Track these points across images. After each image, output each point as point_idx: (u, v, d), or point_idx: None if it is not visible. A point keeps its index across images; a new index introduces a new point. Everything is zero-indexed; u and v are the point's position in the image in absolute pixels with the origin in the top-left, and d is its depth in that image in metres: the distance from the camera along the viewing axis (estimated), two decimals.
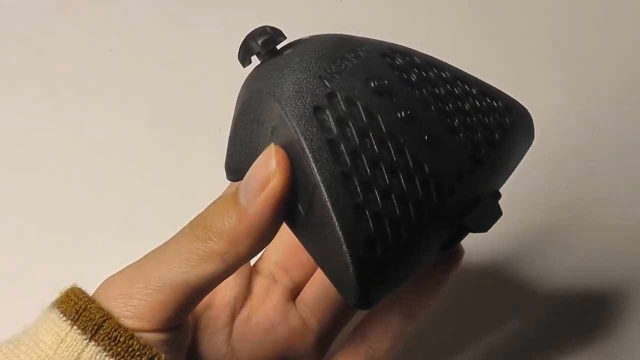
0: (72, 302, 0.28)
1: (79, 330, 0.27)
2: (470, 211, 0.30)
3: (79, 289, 0.29)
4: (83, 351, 0.27)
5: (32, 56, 0.50)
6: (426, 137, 0.29)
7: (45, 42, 0.51)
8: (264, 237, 0.28)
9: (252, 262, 0.36)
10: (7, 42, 0.51)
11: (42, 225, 0.45)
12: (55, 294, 0.30)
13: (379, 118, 0.29)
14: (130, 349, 0.27)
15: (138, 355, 0.28)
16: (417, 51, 0.32)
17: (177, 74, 0.50)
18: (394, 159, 0.28)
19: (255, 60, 0.31)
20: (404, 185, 0.28)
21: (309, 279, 0.36)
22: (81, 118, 0.48)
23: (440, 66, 0.31)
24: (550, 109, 0.47)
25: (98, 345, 0.27)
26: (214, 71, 0.49)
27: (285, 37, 0.31)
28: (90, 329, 0.27)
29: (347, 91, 0.29)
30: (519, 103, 0.32)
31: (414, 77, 0.30)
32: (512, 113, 0.31)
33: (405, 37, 0.49)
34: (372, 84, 0.29)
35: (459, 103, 0.31)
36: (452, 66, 0.32)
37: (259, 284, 0.36)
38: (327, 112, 0.28)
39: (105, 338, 0.27)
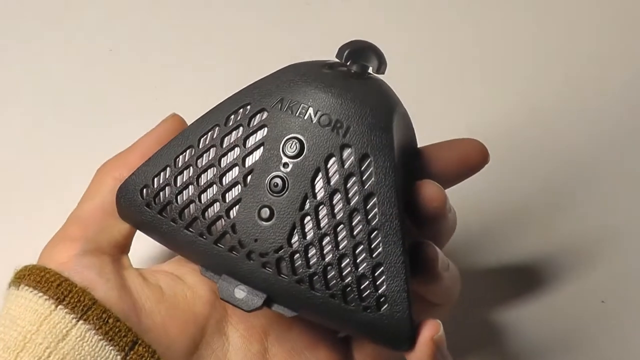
0: (54, 283, 0.29)
1: (66, 310, 0.28)
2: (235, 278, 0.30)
3: (52, 269, 0.30)
4: (72, 329, 0.28)
5: (31, 56, 0.50)
6: (263, 212, 0.29)
7: (45, 42, 0.51)
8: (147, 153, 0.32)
9: None
10: (6, 42, 0.51)
11: (43, 225, 0.45)
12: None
13: (252, 164, 0.30)
14: (117, 329, 0.28)
15: (124, 336, 0.28)
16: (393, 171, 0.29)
17: (177, 74, 0.50)
18: (214, 188, 0.30)
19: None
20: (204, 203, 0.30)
21: None
22: (81, 118, 0.48)
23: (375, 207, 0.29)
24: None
25: (88, 323, 0.28)
26: (214, 71, 0.50)
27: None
28: (79, 309, 0.28)
29: (269, 124, 0.30)
30: (409, 315, 0.29)
31: (331, 179, 0.29)
32: (384, 303, 0.29)
33: (405, 38, 0.50)
34: (289, 146, 0.30)
35: (335, 228, 0.29)
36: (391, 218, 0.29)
37: None
38: (228, 123, 0.30)
39: (95, 318, 0.28)
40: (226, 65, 0.50)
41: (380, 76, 0.31)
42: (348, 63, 0.30)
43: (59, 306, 0.28)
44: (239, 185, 0.30)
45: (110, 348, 0.28)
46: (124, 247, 0.33)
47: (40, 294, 0.29)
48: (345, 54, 0.30)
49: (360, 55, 0.30)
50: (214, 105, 0.31)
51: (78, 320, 0.28)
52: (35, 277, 0.29)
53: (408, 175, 0.31)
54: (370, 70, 0.31)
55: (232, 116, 0.30)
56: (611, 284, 0.43)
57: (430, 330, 0.29)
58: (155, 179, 0.31)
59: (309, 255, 0.29)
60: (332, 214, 0.29)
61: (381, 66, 0.30)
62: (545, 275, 0.43)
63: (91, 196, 0.33)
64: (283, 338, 0.33)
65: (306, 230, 0.29)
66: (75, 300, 0.28)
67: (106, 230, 0.32)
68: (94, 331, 0.28)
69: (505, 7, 0.51)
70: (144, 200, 0.31)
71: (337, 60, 0.31)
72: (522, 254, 0.43)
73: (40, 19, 0.52)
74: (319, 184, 0.29)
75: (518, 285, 0.43)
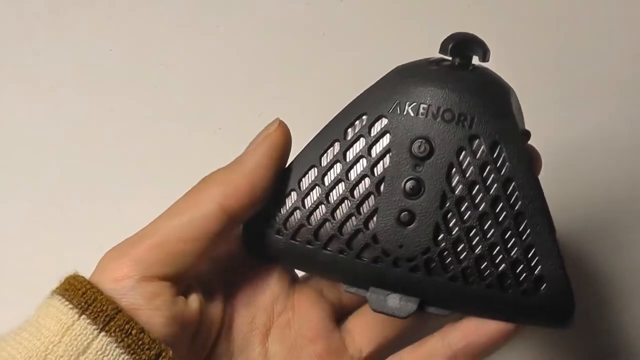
0: (79, 291, 0.28)
1: (88, 320, 0.28)
2: (387, 289, 0.30)
3: (82, 277, 0.29)
4: (93, 341, 0.27)
5: (31, 56, 0.50)
6: (402, 217, 0.29)
7: (45, 42, 0.50)
8: (257, 182, 0.30)
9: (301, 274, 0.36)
10: (6, 42, 0.51)
11: (43, 225, 0.45)
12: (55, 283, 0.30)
13: (383, 172, 0.29)
14: (140, 342, 0.28)
15: (147, 349, 0.28)
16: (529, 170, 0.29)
17: (177, 74, 0.50)
18: (355, 205, 0.30)
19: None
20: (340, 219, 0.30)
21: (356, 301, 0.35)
22: (81, 118, 0.48)
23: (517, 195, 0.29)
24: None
25: (110, 336, 0.27)
26: (213, 71, 0.49)
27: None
28: (102, 319, 0.28)
29: (391, 129, 0.29)
30: (569, 291, 0.29)
31: (465, 174, 0.29)
32: (542, 283, 0.28)
33: (405, 38, 0.50)
34: (417, 148, 0.29)
35: (481, 224, 0.29)
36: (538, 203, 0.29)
37: (305, 294, 0.35)
38: (355, 133, 0.30)
39: (117, 330, 0.28)
40: (227, 65, 0.50)
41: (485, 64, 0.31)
42: (453, 56, 0.30)
43: (82, 316, 0.28)
44: (373, 195, 0.30)
45: None
46: (189, 272, 0.31)
47: (67, 302, 0.28)
48: (450, 47, 0.30)
49: (465, 46, 0.30)
50: (327, 123, 0.31)
51: (100, 332, 0.27)
52: (65, 284, 0.29)
53: None
54: (474, 59, 0.31)
55: (350, 129, 0.30)
56: (611, 283, 0.43)
57: None
58: (282, 206, 0.31)
59: (458, 250, 0.29)
60: (474, 206, 0.29)
61: (486, 54, 0.30)
62: None
63: (180, 212, 0.31)
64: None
65: (450, 226, 0.29)
66: (98, 309, 0.28)
67: (175, 257, 0.30)
68: (115, 344, 0.27)
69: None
70: (273, 229, 0.31)
71: (440, 56, 0.30)
72: None
73: (40, 19, 0.51)
74: (455, 179, 0.29)
75: None
